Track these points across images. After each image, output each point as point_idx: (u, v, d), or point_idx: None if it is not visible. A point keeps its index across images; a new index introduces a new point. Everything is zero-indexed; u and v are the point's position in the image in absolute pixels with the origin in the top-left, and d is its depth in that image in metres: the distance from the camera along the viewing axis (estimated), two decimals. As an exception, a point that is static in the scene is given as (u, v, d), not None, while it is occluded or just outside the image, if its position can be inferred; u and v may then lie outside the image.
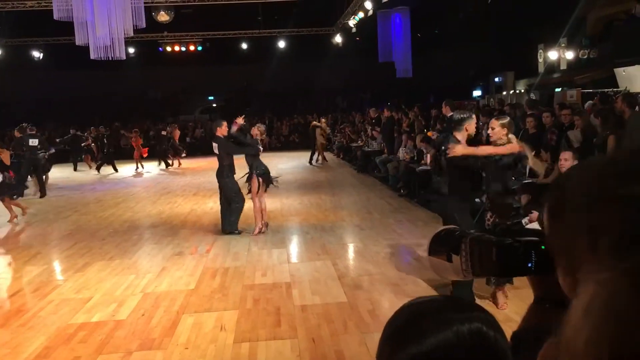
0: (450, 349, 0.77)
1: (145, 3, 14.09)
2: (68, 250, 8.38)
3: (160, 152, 20.90)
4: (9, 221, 10.72)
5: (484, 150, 5.25)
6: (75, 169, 20.29)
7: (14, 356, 4.67)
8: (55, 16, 13.06)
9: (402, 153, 12.87)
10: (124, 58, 13.53)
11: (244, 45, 26.20)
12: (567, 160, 6.50)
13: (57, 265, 7.80)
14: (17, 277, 7.13)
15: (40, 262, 7.78)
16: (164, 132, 21.54)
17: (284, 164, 19.34)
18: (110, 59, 13.23)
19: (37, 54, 25.79)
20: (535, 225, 6.64)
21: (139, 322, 5.32)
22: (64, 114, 27.07)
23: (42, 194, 13.91)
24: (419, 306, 0.85)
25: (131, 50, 23.04)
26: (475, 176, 5.46)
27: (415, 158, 12.14)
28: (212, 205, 11.65)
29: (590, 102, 12.18)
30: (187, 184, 15.59)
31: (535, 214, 6.77)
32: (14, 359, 4.63)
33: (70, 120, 24.45)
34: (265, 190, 8.87)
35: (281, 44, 25.64)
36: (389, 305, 5.49)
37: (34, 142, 13.93)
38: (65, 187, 16.20)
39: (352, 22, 20.34)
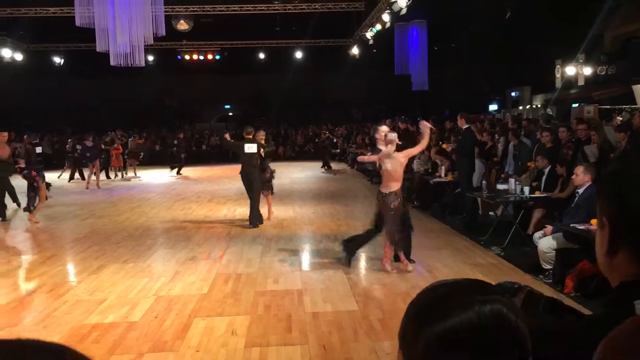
0: (472, 328, 0.80)
1: (165, 12, 14.27)
2: (83, 253, 8.48)
3: (177, 158, 20.97)
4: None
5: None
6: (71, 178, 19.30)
7: (28, 354, 4.72)
8: (77, 23, 13.28)
9: (416, 165, 12.86)
10: (143, 65, 13.72)
11: (262, 55, 26.37)
12: (578, 175, 6.52)
13: (72, 267, 7.89)
14: (33, 278, 7.22)
15: (55, 264, 7.88)
16: (176, 141, 21.71)
17: (299, 174, 19.41)
18: (130, 66, 13.41)
19: (57, 60, 26.15)
20: (549, 240, 6.61)
21: (152, 325, 5.36)
22: (82, 120, 27.41)
23: None
24: (443, 287, 0.88)
25: (150, 58, 23.28)
26: None
27: (430, 170, 12.14)
28: (226, 212, 11.74)
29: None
30: (202, 191, 15.69)
31: (549, 227, 6.74)
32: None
33: (88, 126, 24.72)
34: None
35: (298, 54, 25.78)
36: (400, 314, 5.46)
37: None
38: (82, 192, 16.39)
39: (369, 34, 20.39)
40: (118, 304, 5.97)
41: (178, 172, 20.45)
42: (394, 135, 6.99)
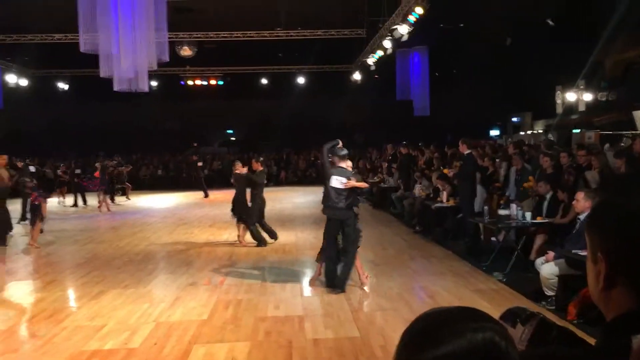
0: (464, 356, 0.81)
1: (169, 38, 14.44)
2: (83, 278, 8.45)
3: (198, 180, 21.13)
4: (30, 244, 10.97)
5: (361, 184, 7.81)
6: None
7: (26, 381, 4.69)
8: (82, 49, 13.43)
9: (417, 190, 12.87)
10: (147, 91, 13.84)
11: (264, 81, 26.58)
12: (578, 201, 6.52)
13: (72, 293, 7.86)
14: (32, 303, 7.19)
15: (55, 289, 7.85)
16: (200, 163, 21.80)
17: (300, 198, 19.41)
18: (134, 91, 13.53)
19: (62, 85, 26.39)
20: (551, 266, 6.58)
21: (151, 351, 5.32)
22: (86, 144, 27.54)
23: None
24: (436, 315, 0.89)
25: (154, 83, 23.49)
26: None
27: (432, 195, 12.13)
28: (228, 237, 11.71)
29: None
30: (203, 216, 15.68)
31: (551, 254, 6.71)
32: (26, 384, 4.65)
33: (91, 150, 24.85)
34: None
35: (300, 79, 25.98)
36: (401, 341, 5.44)
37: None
38: (83, 217, 16.39)
39: (371, 60, 20.58)
40: (118, 330, 5.93)
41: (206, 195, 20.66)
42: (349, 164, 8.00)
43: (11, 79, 23.18)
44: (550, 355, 1.01)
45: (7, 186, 11.51)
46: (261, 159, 11.43)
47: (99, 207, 17.23)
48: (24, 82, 23.92)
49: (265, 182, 10.97)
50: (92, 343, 5.56)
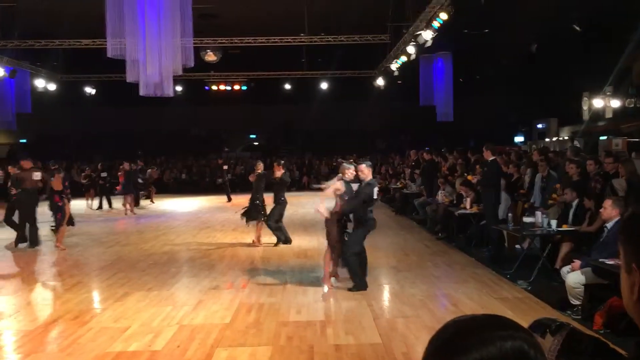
0: None
1: (194, 44, 14.55)
2: (108, 280, 8.56)
3: (222, 184, 21.45)
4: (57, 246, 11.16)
5: None
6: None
7: (52, 381, 4.76)
8: (109, 54, 13.60)
9: (441, 196, 12.78)
10: (172, 95, 13.96)
11: (287, 86, 26.67)
12: (606, 208, 6.42)
13: (97, 294, 7.97)
14: (58, 305, 7.30)
15: (81, 291, 7.96)
16: (225, 166, 22.07)
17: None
18: (159, 96, 13.66)
19: (89, 90, 26.79)
20: (577, 275, 6.47)
21: (174, 354, 5.37)
22: (112, 148, 27.94)
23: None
24: (464, 323, 0.88)
25: (179, 88, 23.72)
26: None
27: (455, 202, 12.05)
28: (250, 241, 11.76)
29: None
30: (226, 220, 15.75)
31: (577, 262, 6.61)
32: (52, 384, 4.72)
33: (117, 154, 25.19)
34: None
35: (323, 85, 26.01)
36: (423, 348, 5.40)
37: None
38: (108, 219, 16.60)
39: (394, 66, 20.49)
40: (142, 332, 6.00)
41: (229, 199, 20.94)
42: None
43: (40, 83, 23.52)
44: None
45: (38, 187, 11.70)
46: (282, 162, 11.62)
47: (126, 211, 17.47)
48: (52, 87, 24.27)
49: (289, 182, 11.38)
50: (117, 344, 5.63)
